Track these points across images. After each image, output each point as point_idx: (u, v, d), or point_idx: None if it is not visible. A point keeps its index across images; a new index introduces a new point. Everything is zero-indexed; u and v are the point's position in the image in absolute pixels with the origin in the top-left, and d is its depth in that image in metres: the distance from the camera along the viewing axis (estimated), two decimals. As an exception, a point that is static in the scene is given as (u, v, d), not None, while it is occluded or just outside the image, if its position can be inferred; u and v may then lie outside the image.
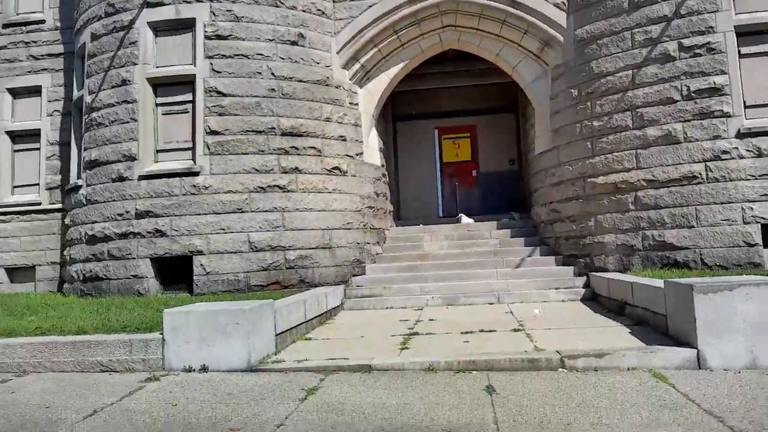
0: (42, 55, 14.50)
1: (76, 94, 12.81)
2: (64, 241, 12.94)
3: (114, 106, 11.36)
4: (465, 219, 13.43)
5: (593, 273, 10.31)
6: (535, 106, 12.48)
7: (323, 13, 12.12)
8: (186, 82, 11.20)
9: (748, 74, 9.66)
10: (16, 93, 14.51)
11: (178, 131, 11.23)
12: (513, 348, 6.57)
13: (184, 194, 10.66)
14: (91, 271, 10.92)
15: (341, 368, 6.25)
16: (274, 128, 11.11)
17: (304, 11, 11.80)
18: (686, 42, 9.86)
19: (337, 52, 12.19)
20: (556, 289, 10.27)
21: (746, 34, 9.71)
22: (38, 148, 14.25)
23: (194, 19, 11.16)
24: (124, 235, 10.68)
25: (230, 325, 6.40)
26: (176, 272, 10.51)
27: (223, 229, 10.52)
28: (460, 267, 11.18)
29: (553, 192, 11.67)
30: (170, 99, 11.36)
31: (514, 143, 16.01)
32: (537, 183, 12.66)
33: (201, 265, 10.38)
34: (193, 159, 10.91)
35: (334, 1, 12.32)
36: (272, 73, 11.31)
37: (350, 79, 12.39)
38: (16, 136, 14.33)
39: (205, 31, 11.13)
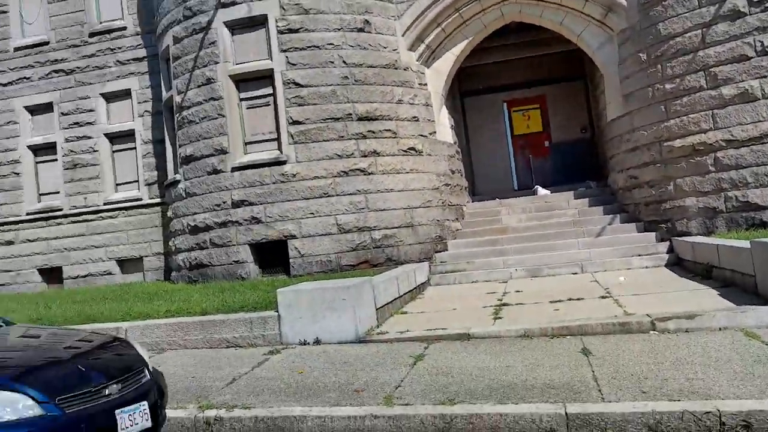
0: (128, 60, 15.54)
1: (165, 94, 13.75)
2: (166, 232, 14.06)
3: (202, 104, 12.18)
4: (541, 190, 13.65)
5: (676, 238, 10.40)
6: (603, 72, 12.49)
7: (386, -3, 12.47)
8: (265, 77, 11.88)
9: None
10: (108, 97, 15.65)
11: (262, 123, 11.95)
12: (603, 314, 6.91)
13: (274, 182, 11.40)
14: (196, 258, 11.90)
15: (441, 337, 6.78)
16: (350, 114, 11.66)
17: (367, -2, 12.21)
18: (756, -4, 9.70)
19: (402, 35, 12.55)
20: (639, 255, 10.43)
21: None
22: (134, 147, 15.39)
23: (266, 15, 11.76)
24: (223, 224, 11.57)
25: (337, 301, 7.04)
26: (273, 256, 11.33)
27: (313, 214, 11.22)
28: (540, 239, 11.48)
29: (629, 158, 11.73)
30: (252, 93, 12.07)
31: (585, 111, 15.96)
32: (612, 150, 12.72)
33: (295, 248, 11.14)
34: (279, 149, 11.62)
35: (395, -15, 12.65)
36: (344, 61, 11.82)
37: (417, 60, 12.75)
38: (113, 138, 15.52)
39: (277, 26, 11.73)
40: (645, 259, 10.30)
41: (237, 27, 12.02)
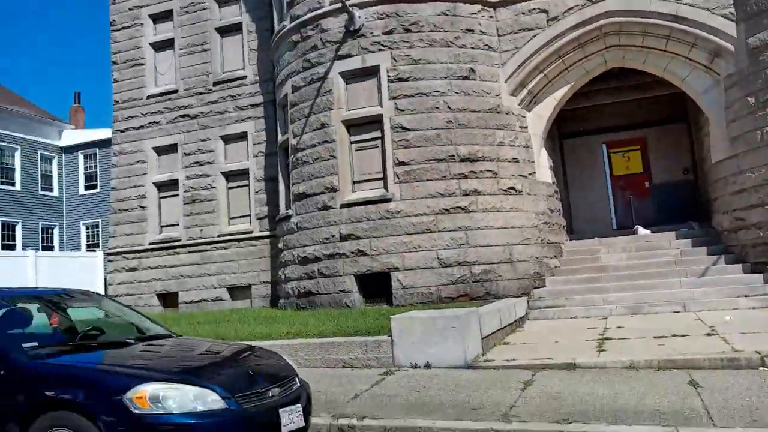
0: (245, 106, 17.00)
1: (280, 137, 14.96)
2: (274, 262, 15.12)
3: (316, 146, 13.21)
4: (642, 230, 13.63)
5: (786, 280, 10.17)
6: (708, 115, 12.50)
7: (490, 47, 13.15)
8: (374, 122, 12.76)
9: None
10: (227, 139, 17.14)
11: (369, 164, 12.80)
12: (710, 349, 7.01)
13: (379, 218, 12.15)
14: (304, 287, 12.77)
15: (547, 366, 7.12)
16: (453, 155, 12.29)
17: (473, 48, 12.93)
18: None
19: (505, 81, 13.14)
20: (746, 296, 10.28)
21: None
22: (247, 185, 16.72)
23: (378, 66, 12.71)
24: (331, 256, 12.41)
25: (447, 329, 7.55)
26: (376, 286, 12.00)
27: (415, 248, 11.84)
28: (641, 277, 11.50)
29: (735, 200, 11.62)
30: (362, 137, 12.98)
31: (687, 152, 15.84)
32: (716, 192, 12.61)
33: (398, 280, 11.77)
34: (385, 187, 12.39)
35: (499, 36, 13.31)
36: (448, 107, 12.52)
37: (518, 105, 13.27)
38: (229, 175, 16.94)
39: (388, 76, 12.63)
40: (752, 299, 10.13)
41: (351, 77, 13.03)
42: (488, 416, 5.37)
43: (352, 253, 12.19)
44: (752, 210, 11.16)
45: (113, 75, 18.83)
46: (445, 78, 12.59)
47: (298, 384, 4.91)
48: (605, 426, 4.89)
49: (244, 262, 16.11)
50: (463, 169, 12.25)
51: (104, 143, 27.50)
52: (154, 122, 17.87)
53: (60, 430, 3.99)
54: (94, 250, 26.61)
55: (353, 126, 12.98)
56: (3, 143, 27.15)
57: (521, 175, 12.81)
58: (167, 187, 17.62)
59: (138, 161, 17.91)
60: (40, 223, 28.22)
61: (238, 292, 16.15)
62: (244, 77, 17.04)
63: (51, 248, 27.66)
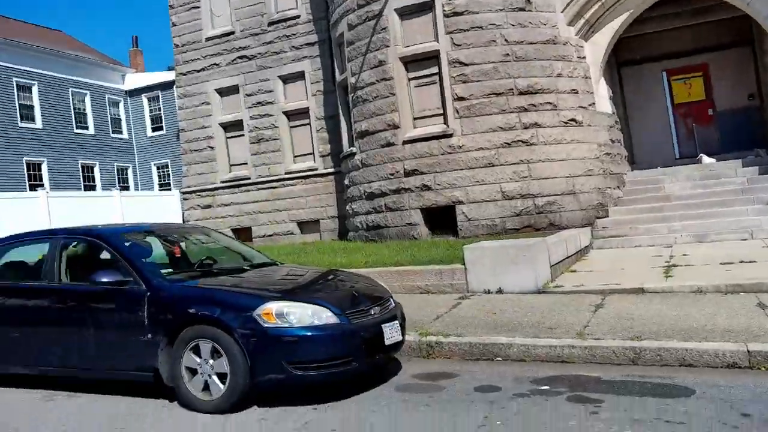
0: (301, 45, 17.25)
1: (339, 76, 15.24)
2: (340, 198, 15.73)
3: (374, 84, 13.47)
4: (706, 159, 13.54)
5: None
6: (775, 38, 12.12)
7: (548, -25, 12.90)
8: (431, 57, 12.88)
9: None
10: (285, 79, 17.54)
11: (428, 100, 13.02)
12: (778, 274, 7.23)
13: (441, 154, 12.47)
14: (372, 221, 13.36)
15: (615, 291, 7.50)
16: (511, 89, 12.37)
17: (529, -23, 12.71)
18: None
19: (562, 11, 12.92)
20: (815, 223, 10.28)
21: None
22: (308, 123, 17.20)
23: (433, 0, 12.69)
24: (396, 191, 12.87)
25: (518, 257, 7.98)
26: (442, 219, 12.47)
27: (478, 182, 12.17)
28: (706, 206, 11.55)
29: (806, 125, 11.42)
30: (419, 73, 13.14)
31: (753, 77, 15.38)
32: (785, 117, 12.36)
33: (462, 213, 12.19)
34: (446, 123, 12.63)
35: (557, -37, 13.02)
36: (505, 40, 12.50)
37: (576, 35, 13.09)
38: (290, 115, 17.42)
39: (444, 10, 12.63)
40: (822, 226, 10.15)
41: (406, 13, 13.07)
42: (564, 334, 5.84)
43: (417, 187, 12.62)
44: (824, 135, 10.98)
45: (171, 19, 19.26)
46: (501, 10, 12.51)
47: (393, 304, 5.47)
48: (677, 342, 5.29)
49: (311, 197, 16.80)
50: (523, 103, 12.36)
51: (166, 86, 28.35)
52: (215, 64, 18.35)
53: (201, 341, 4.68)
54: (168, 189, 27.91)
55: (410, 62, 13.13)
56: (75, 89, 28.29)
57: (581, 107, 12.82)
58: (233, 127, 18.27)
59: (202, 103, 18.54)
60: (115, 164, 29.64)
61: (307, 226, 16.92)
62: (298, 16, 17.22)
63: (127, 188, 29.16)
